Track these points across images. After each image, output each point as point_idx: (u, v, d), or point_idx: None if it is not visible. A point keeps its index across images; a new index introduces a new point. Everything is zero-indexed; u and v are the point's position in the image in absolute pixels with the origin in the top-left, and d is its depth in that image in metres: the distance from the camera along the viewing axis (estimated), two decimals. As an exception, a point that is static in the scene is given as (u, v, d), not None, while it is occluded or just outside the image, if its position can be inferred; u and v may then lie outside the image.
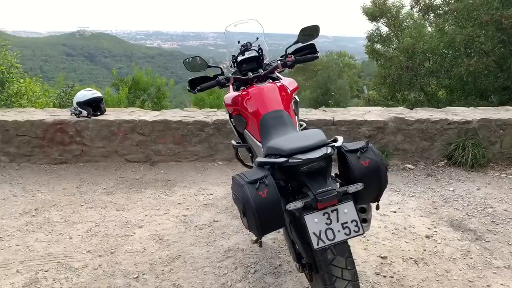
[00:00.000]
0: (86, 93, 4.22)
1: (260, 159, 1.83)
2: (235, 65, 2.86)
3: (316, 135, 1.82)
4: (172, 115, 4.37)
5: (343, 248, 1.72)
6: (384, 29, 12.72)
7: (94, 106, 4.25)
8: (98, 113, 4.26)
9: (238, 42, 2.86)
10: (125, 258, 2.59)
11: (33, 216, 3.17)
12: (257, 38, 2.90)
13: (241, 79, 2.72)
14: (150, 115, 4.33)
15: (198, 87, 2.60)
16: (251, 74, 2.75)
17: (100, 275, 2.41)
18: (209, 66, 2.68)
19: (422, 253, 2.60)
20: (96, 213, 3.22)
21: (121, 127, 4.17)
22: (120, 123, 4.17)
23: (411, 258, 2.54)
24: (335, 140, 1.84)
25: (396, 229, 2.92)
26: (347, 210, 1.67)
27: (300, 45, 2.76)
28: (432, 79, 11.41)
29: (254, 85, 2.60)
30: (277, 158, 1.75)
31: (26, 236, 2.86)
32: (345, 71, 32.15)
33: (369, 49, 12.90)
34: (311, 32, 2.71)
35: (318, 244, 1.63)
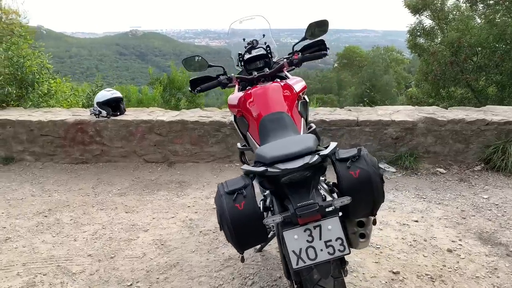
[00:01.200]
0: (105, 93, 4.24)
1: (245, 167, 1.68)
2: (242, 64, 2.71)
3: (303, 141, 1.64)
4: (191, 115, 4.30)
5: (326, 269, 1.53)
6: (428, 22, 12.03)
7: (114, 106, 4.26)
8: (118, 113, 4.27)
9: (244, 39, 2.71)
10: (124, 264, 2.53)
11: (45, 216, 3.20)
12: (264, 35, 2.73)
13: (246, 78, 2.57)
14: (168, 115, 4.28)
15: (198, 88, 2.50)
16: (255, 74, 2.61)
17: (95, 281, 2.36)
18: (210, 66, 2.56)
19: (441, 269, 2.32)
20: (106, 215, 3.20)
21: (139, 127, 4.15)
22: (138, 123, 4.15)
23: (427, 274, 2.28)
24: (327, 147, 1.65)
25: (415, 240, 2.65)
26: (332, 227, 1.48)
27: (308, 41, 2.57)
28: (481, 74, 10.65)
29: (258, 85, 2.45)
30: (259, 166, 1.60)
31: (34, 238, 2.88)
32: (392, 66, 31.02)
33: (411, 44, 12.27)
34: (319, 27, 2.51)
35: (297, 264, 1.45)
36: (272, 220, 1.46)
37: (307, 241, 1.46)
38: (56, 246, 2.76)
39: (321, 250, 1.46)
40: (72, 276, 2.42)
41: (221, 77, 2.50)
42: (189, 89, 2.55)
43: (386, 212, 3.11)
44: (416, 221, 2.94)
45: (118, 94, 4.30)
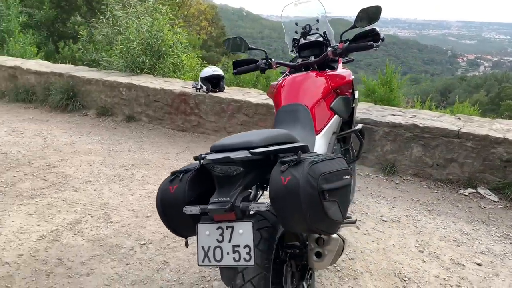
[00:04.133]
0: (208, 70, 4.55)
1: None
2: (297, 50, 2.57)
3: (256, 135, 1.50)
4: (281, 100, 4.26)
5: (229, 275, 1.41)
6: None
7: (215, 82, 4.54)
8: (217, 90, 4.54)
9: (296, 24, 2.55)
10: (151, 225, 2.76)
11: (126, 170, 3.69)
12: (318, 21, 2.52)
13: (287, 65, 2.45)
14: (258, 98, 4.34)
15: (235, 70, 2.49)
16: (299, 61, 2.45)
17: (120, 232, 2.65)
18: (251, 48, 2.50)
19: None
20: (170, 179, 3.50)
21: (229, 106, 4.35)
22: (229, 102, 4.34)
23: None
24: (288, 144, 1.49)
25: (459, 287, 2.14)
26: (243, 232, 1.34)
27: (358, 30, 2.27)
28: None
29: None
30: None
31: (106, 185, 3.37)
32: None
33: None
34: (370, 15, 2.19)
35: (203, 261, 1.38)
36: (189, 210, 1.40)
37: (217, 240, 1.36)
38: (115, 196, 3.17)
39: (228, 253, 1.35)
40: (108, 223, 2.76)
41: (260, 61, 2.43)
42: (234, 71, 2.56)
43: (447, 243, 2.58)
44: (479, 264, 2.36)
45: (219, 72, 4.55)
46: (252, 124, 4.27)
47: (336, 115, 2.25)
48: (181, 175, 1.52)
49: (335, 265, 2.34)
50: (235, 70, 2.49)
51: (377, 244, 2.58)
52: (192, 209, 1.39)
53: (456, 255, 2.47)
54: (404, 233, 2.71)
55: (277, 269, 1.62)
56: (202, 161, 1.41)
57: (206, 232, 1.39)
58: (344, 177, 1.48)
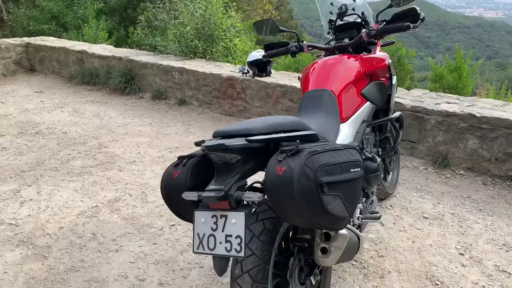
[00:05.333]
0: (255, 54, 4.49)
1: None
2: (333, 32, 2.44)
3: (264, 122, 1.45)
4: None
5: (221, 265, 1.39)
6: None
7: (261, 67, 4.48)
8: (263, 74, 4.48)
9: (331, 4, 2.40)
10: (183, 206, 2.81)
11: (170, 152, 3.80)
12: (354, 0, 2.35)
13: (319, 47, 2.34)
14: (305, 83, 4.21)
15: (264, 53, 2.43)
16: (332, 44, 2.33)
17: (154, 212, 2.74)
18: (282, 31, 2.41)
19: None
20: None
21: (274, 91, 4.27)
22: (274, 87, 4.27)
23: None
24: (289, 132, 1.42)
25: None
26: (235, 221, 1.31)
27: (396, 10, 2.08)
28: None
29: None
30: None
31: (149, 166, 3.50)
32: None
33: None
34: None
35: (197, 248, 1.38)
36: (190, 195, 1.39)
37: (212, 228, 1.35)
38: (156, 177, 3.28)
39: (220, 242, 1.33)
40: (144, 203, 2.87)
41: (291, 44, 2.33)
42: (263, 54, 2.50)
43: (494, 248, 2.34)
44: (529, 274, 2.10)
45: (267, 56, 4.47)
46: (296, 110, 4.15)
47: (368, 102, 2.11)
48: (185, 160, 1.52)
49: (362, 261, 2.22)
50: (265, 53, 2.43)
51: (412, 242, 2.40)
52: (190, 196, 1.38)
53: (503, 262, 2.22)
54: (445, 232, 2.50)
55: (283, 262, 1.57)
56: (199, 148, 1.39)
57: (202, 219, 1.38)
58: (352, 170, 1.38)
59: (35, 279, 2.10)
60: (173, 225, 2.59)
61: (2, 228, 2.54)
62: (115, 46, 7.54)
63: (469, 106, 3.33)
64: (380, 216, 1.93)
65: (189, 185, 1.45)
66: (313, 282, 1.60)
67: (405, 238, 2.44)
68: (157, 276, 2.13)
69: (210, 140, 1.40)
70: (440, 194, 2.97)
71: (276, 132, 1.41)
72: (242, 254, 1.29)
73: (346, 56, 2.13)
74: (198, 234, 1.38)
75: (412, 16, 1.99)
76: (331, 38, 2.45)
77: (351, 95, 2.03)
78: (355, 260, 2.23)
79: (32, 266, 2.20)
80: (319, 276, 1.64)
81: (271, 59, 4.49)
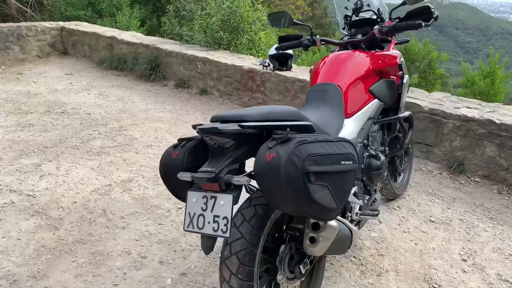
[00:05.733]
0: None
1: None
2: (348, 28, 2.44)
3: (260, 110, 1.49)
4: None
5: (208, 244, 1.43)
6: None
7: (282, 61, 4.49)
8: (284, 68, 4.49)
9: None
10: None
11: (186, 139, 3.88)
12: None
13: (332, 42, 2.35)
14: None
15: (277, 45, 2.46)
16: (345, 39, 2.33)
17: (163, 195, 2.82)
18: (295, 23, 2.42)
19: None
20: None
21: (293, 85, 4.28)
22: (293, 81, 4.28)
23: None
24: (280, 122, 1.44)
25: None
26: (224, 203, 1.36)
27: (409, 7, 2.07)
28: None
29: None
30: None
31: (163, 150, 3.58)
32: None
33: None
34: None
35: (187, 227, 1.44)
36: (185, 176, 1.44)
37: (202, 208, 1.41)
38: (169, 161, 3.37)
39: (209, 222, 1.39)
40: (155, 185, 2.96)
41: (304, 37, 2.35)
42: (275, 46, 2.54)
43: (499, 257, 2.30)
44: (531, 285, 2.06)
45: (287, 51, 4.48)
46: (314, 106, 4.16)
47: (375, 99, 2.11)
48: (184, 142, 1.57)
49: (361, 258, 2.23)
50: (278, 46, 2.45)
51: (415, 244, 2.39)
52: (184, 176, 1.44)
53: (507, 271, 2.18)
54: (450, 237, 2.46)
55: (275, 248, 1.61)
56: (195, 128, 1.44)
57: (194, 199, 1.43)
58: (342, 162, 1.40)
59: (45, 248, 2.22)
60: (180, 208, 2.67)
61: (20, 199, 2.68)
62: (147, 34, 7.70)
63: (489, 112, 3.25)
64: (378, 213, 1.93)
65: (186, 166, 1.50)
66: (303, 271, 1.63)
67: (408, 239, 2.43)
68: (159, 255, 2.20)
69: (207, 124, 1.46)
70: (451, 200, 2.92)
71: (271, 121, 1.44)
72: (227, 234, 1.33)
73: (357, 52, 2.13)
74: (189, 213, 1.43)
75: (425, 14, 1.97)
76: (346, 33, 2.45)
77: (358, 91, 2.04)
78: (353, 257, 2.24)
79: (43, 236, 2.32)
80: (309, 266, 1.67)
81: (292, 53, 4.51)
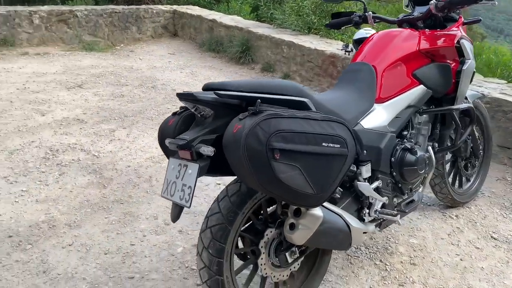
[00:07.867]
0: (361, 32, 4.16)
1: None
2: (413, 5, 2.17)
3: (254, 82, 1.45)
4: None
5: (175, 213, 1.42)
6: None
7: (367, 47, 4.17)
8: (368, 55, 4.17)
9: None
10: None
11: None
12: None
13: (386, 20, 2.11)
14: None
15: (327, 22, 2.29)
16: (400, 16, 2.08)
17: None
18: None
19: None
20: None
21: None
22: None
23: None
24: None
25: None
26: (191, 172, 1.35)
27: None
28: None
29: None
30: None
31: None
32: None
33: None
34: None
35: (163, 193, 1.48)
36: (167, 142, 1.45)
37: (175, 176, 1.42)
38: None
39: (178, 190, 1.39)
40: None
41: (354, 14, 2.14)
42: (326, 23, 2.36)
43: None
44: None
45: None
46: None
47: (421, 85, 1.83)
48: (182, 110, 1.57)
49: (387, 263, 1.99)
50: (328, 23, 2.27)
51: (460, 259, 2.04)
52: (168, 142, 1.44)
53: None
54: (510, 259, 2.04)
55: (259, 230, 1.53)
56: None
57: (172, 166, 1.44)
58: (324, 144, 1.26)
59: (88, 202, 2.46)
60: (219, 184, 2.70)
61: (87, 157, 3.01)
62: (258, 20, 7.85)
63: None
64: (397, 215, 1.68)
65: (177, 134, 1.50)
66: (289, 260, 1.51)
67: (454, 253, 2.08)
68: (181, 224, 2.27)
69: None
70: (532, 218, 2.41)
71: (259, 93, 1.35)
72: (188, 204, 1.32)
73: (408, 30, 1.87)
74: (167, 179, 1.44)
75: None
76: (410, 11, 2.16)
77: (398, 74, 1.79)
78: (380, 260, 2.01)
79: (91, 192, 2.57)
80: (297, 255, 1.54)
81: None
